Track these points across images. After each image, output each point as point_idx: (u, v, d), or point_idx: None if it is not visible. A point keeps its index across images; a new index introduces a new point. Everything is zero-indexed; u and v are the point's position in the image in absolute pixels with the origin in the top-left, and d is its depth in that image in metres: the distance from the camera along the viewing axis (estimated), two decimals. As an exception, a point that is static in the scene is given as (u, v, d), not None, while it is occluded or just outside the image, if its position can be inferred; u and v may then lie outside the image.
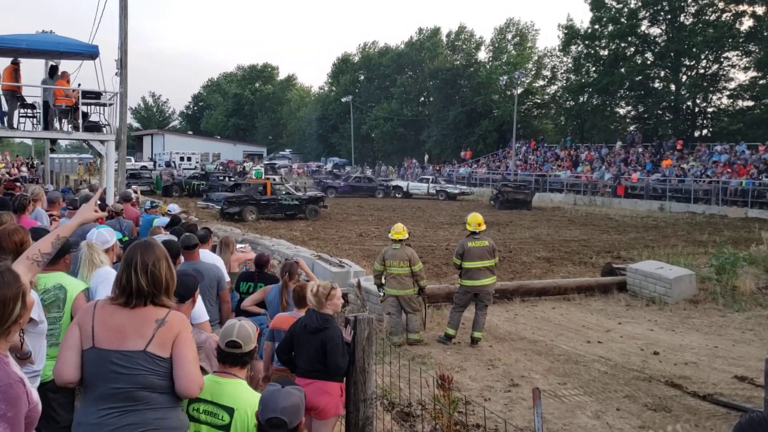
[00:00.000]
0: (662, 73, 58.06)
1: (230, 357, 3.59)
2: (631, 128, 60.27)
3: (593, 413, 7.80)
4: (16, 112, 17.78)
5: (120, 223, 10.12)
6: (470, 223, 11.09)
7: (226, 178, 43.11)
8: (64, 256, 4.73)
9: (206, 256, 7.24)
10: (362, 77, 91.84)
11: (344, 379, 5.28)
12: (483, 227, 11.05)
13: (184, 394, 3.34)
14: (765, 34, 48.41)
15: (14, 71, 17.19)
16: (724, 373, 9.33)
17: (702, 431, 7.29)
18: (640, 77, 57.72)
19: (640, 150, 50.20)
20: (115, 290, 3.38)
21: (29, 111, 18.42)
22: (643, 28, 58.02)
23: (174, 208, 12.92)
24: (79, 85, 19.07)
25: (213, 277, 6.71)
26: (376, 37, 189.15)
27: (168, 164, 64.64)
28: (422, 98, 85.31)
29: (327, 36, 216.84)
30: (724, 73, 54.81)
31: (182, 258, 6.84)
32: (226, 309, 6.79)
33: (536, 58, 74.53)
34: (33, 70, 18.32)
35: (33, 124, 18.44)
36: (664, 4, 55.79)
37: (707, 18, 53.79)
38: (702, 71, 55.30)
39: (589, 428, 7.37)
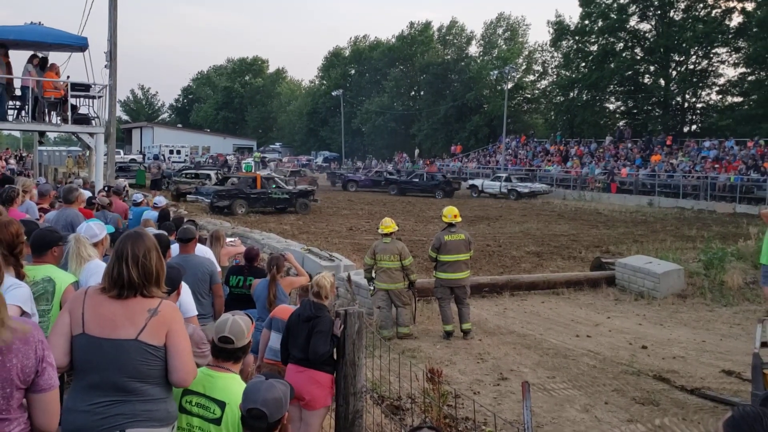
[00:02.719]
0: (652, 69, 58.25)
1: (223, 352, 3.59)
2: (621, 123, 60.45)
3: (582, 407, 7.83)
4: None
5: (105, 216, 10.07)
6: (446, 215, 11.15)
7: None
8: (51, 249, 4.71)
9: (200, 249, 7.23)
10: (353, 71, 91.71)
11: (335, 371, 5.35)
12: (459, 219, 11.11)
13: (179, 385, 3.39)
14: (754, 30, 48.56)
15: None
16: (712, 368, 9.39)
17: (689, 425, 7.33)
18: (630, 73, 57.89)
19: (630, 145, 50.38)
20: (105, 282, 3.38)
21: (18, 103, 18.29)
22: (632, 23, 58.21)
23: (160, 200, 12.87)
24: (68, 77, 18.96)
25: (206, 271, 6.70)
26: (367, 30, 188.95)
27: (156, 157, 64.37)
28: (413, 92, 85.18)
29: (317, 30, 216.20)
30: (714, 68, 55.08)
31: (172, 251, 6.83)
32: (219, 303, 6.79)
33: (527, 53, 74.70)
34: (22, 62, 18.12)
35: (21, 116, 18.32)
36: (654, -1, 55.98)
37: (697, 14, 53.97)
38: (691, 67, 55.49)
39: (578, 422, 7.40)
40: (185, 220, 10.11)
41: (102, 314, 3.30)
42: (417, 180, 46.61)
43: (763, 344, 7.45)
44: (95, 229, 5.77)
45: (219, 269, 7.21)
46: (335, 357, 5.29)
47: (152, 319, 3.30)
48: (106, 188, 15.53)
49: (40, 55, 18.07)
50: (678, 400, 8.10)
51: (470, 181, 49.50)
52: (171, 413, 3.40)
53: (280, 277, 7.09)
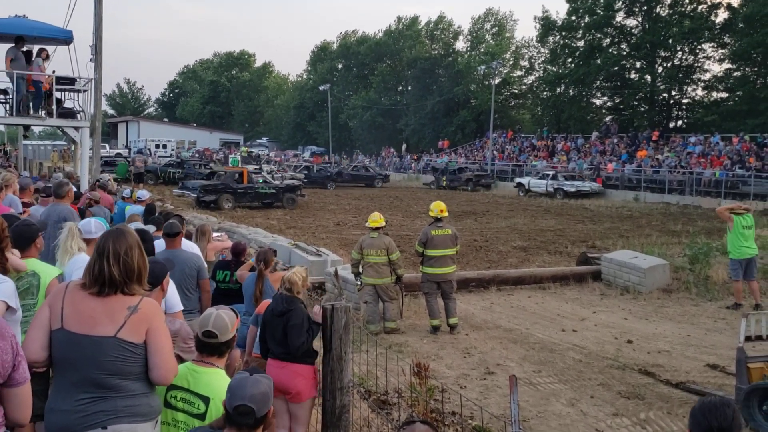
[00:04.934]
0: (638, 65, 58.38)
1: (207, 347, 3.58)
2: (607, 119, 60.62)
3: (568, 401, 7.87)
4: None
5: (102, 211, 10.03)
6: (433, 209, 11.20)
7: (203, 166, 43.09)
8: (34, 242, 4.71)
9: (186, 244, 7.20)
10: (340, 66, 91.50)
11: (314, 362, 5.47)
12: (445, 214, 11.16)
13: (159, 383, 3.37)
14: (740, 26, 48.79)
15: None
16: (697, 362, 9.45)
17: (674, 418, 7.38)
18: (616, 68, 58.00)
19: (616, 141, 50.56)
20: (86, 278, 3.36)
21: (1, 96, 18.12)
22: (619, 19, 58.25)
23: (143, 194, 12.80)
24: (54, 72, 18.80)
25: (193, 266, 6.68)
26: (354, 25, 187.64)
27: (141, 151, 64.04)
28: (400, 87, 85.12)
29: (305, 24, 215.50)
30: (699, 64, 55.24)
31: (157, 247, 6.80)
32: (206, 298, 6.77)
33: (514, 48, 74.76)
34: (3, 55, 17.91)
35: (5, 110, 18.16)
36: (640, -5, 56.10)
37: (683, 9, 54.10)
38: (677, 63, 55.67)
39: (564, 416, 7.44)
40: (172, 214, 10.06)
41: (81, 311, 3.28)
42: (306, 172, 47.46)
43: (748, 338, 7.53)
44: (92, 225, 5.78)
45: (205, 265, 7.19)
46: (316, 349, 5.37)
47: (132, 317, 3.28)
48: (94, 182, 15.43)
49: (47, 48, 17.92)
50: (663, 394, 8.15)
51: (517, 179, 46.82)
52: (154, 408, 3.38)
53: (268, 272, 7.07)
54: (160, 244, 6.90)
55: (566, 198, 39.85)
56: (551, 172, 43.94)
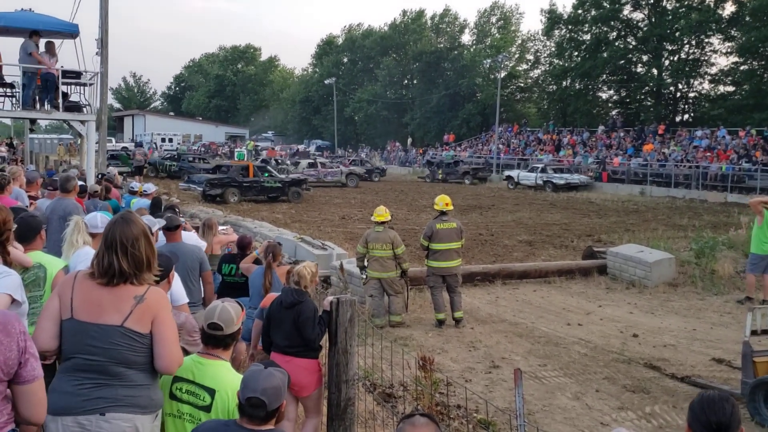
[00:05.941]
0: (644, 58, 58.18)
1: (212, 339, 3.59)
2: (613, 113, 60.45)
3: (573, 394, 7.88)
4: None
5: (95, 204, 10.01)
6: (438, 203, 11.21)
7: (200, 160, 43.30)
8: (39, 234, 4.74)
9: (188, 237, 7.21)
10: (346, 59, 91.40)
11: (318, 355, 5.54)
12: (450, 207, 11.16)
13: (164, 372, 3.41)
14: (747, 19, 48.55)
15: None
16: (702, 356, 9.44)
17: (680, 412, 7.37)
18: (623, 62, 57.84)
19: (622, 134, 50.41)
20: (94, 269, 3.37)
21: (8, 90, 18.14)
22: (625, 12, 58.05)
23: (149, 187, 12.83)
24: (62, 66, 18.79)
25: (195, 258, 6.69)
26: (360, 18, 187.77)
27: (140, 144, 64.19)
28: (406, 81, 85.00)
29: (310, 17, 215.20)
30: (706, 58, 54.99)
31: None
32: (209, 290, 6.79)
33: (520, 41, 74.62)
34: (10, 49, 17.89)
35: (12, 104, 18.18)
36: (647, -13, 55.87)
37: (690, 2, 53.86)
38: (684, 56, 55.45)
39: (569, 409, 7.44)
40: (169, 208, 10.07)
41: (89, 300, 3.31)
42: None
43: (753, 333, 7.51)
44: (98, 220, 5.79)
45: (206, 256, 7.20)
46: (321, 343, 5.42)
47: (138, 306, 3.31)
48: (99, 176, 15.49)
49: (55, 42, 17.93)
50: (668, 387, 8.15)
51: (506, 172, 46.87)
52: (154, 401, 3.40)
53: (276, 266, 7.07)
54: (159, 239, 6.90)
55: (556, 191, 40.12)
56: (540, 165, 44.32)
